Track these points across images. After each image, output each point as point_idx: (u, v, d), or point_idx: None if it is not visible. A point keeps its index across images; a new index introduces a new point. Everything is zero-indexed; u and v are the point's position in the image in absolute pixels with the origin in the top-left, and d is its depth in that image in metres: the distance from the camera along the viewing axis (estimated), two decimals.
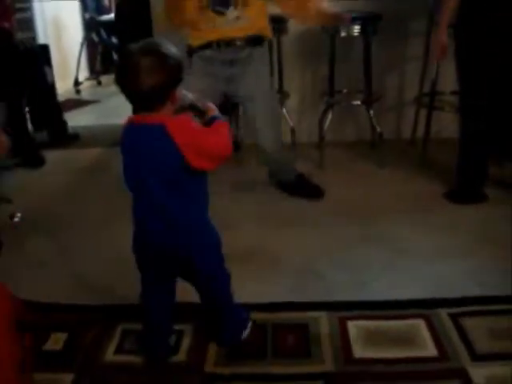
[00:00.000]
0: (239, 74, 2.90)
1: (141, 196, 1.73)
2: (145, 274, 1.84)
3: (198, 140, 1.62)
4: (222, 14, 2.78)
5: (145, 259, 1.81)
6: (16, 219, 2.85)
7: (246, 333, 1.94)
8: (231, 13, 2.77)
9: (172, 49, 1.63)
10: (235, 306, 1.92)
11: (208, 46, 2.84)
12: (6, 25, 3.96)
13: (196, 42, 2.88)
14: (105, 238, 2.75)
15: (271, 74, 3.38)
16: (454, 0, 2.79)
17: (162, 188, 1.65)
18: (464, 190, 3.02)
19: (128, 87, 1.59)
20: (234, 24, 2.80)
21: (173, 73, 1.60)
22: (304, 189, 3.15)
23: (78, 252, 2.63)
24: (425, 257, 2.47)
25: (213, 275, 1.82)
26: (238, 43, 2.84)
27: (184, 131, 1.60)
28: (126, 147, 1.69)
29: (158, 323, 1.91)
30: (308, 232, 2.75)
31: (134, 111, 1.67)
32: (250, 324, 1.96)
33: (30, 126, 4.27)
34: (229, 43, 2.83)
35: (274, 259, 2.47)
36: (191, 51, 2.91)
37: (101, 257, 2.57)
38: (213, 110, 1.76)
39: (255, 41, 2.88)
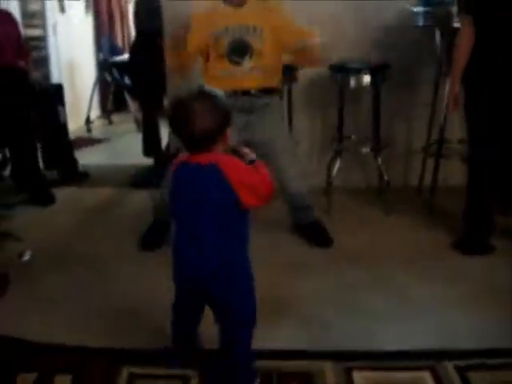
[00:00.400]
0: (255, 122, 2.96)
1: (188, 231, 1.83)
2: (179, 302, 1.97)
3: (248, 178, 1.74)
4: (238, 63, 2.87)
5: (183, 290, 1.93)
6: (25, 258, 2.87)
7: None
8: (247, 62, 2.85)
9: (218, 93, 1.79)
10: (250, 356, 1.95)
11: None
12: (22, 64, 4.05)
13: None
14: (113, 278, 2.77)
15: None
16: (464, 54, 2.84)
17: (213, 226, 1.77)
18: (471, 239, 3.03)
19: (183, 131, 1.75)
20: (249, 74, 2.89)
21: (223, 115, 1.75)
22: (315, 235, 3.16)
23: (86, 291, 2.64)
24: (431, 306, 2.46)
25: (245, 321, 1.89)
26: (253, 92, 2.92)
27: (236, 169, 1.73)
28: (180, 185, 1.82)
29: (185, 337, 2.05)
30: (316, 278, 2.75)
31: (187, 150, 1.79)
32: (258, 381, 1.97)
33: (41, 163, 4.33)
34: (245, 92, 2.90)
35: (282, 305, 2.47)
36: None
37: (109, 297, 2.58)
38: (250, 154, 1.86)
39: (269, 91, 2.97)
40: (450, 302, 2.50)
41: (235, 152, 1.84)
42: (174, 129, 1.79)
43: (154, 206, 3.12)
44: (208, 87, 1.83)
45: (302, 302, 2.52)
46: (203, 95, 1.76)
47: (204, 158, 1.75)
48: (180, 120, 1.74)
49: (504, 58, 2.76)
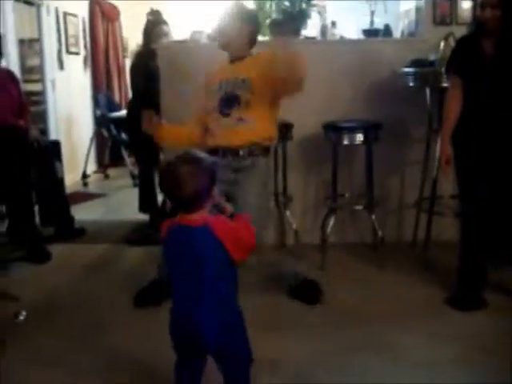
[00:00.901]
0: (242, 181, 2.95)
1: (186, 291, 1.89)
2: (178, 350, 1.98)
3: (237, 235, 1.84)
4: (227, 115, 2.92)
5: (178, 339, 1.95)
6: (21, 317, 2.86)
7: None
8: (234, 113, 2.89)
9: (204, 154, 1.89)
10: None
11: (214, 152, 2.88)
12: (22, 123, 4.13)
13: (204, 145, 2.96)
14: (110, 337, 2.76)
15: (275, 176, 3.57)
16: (453, 115, 2.93)
17: (209, 283, 1.85)
18: (465, 295, 3.04)
19: (172, 195, 1.85)
20: (236, 125, 2.90)
21: (209, 176, 1.84)
22: (302, 295, 3.16)
23: (79, 351, 2.63)
24: (426, 366, 2.45)
25: (244, 363, 1.98)
26: (241, 153, 2.94)
27: (226, 229, 1.83)
28: (173, 249, 1.90)
29: None
30: (306, 337, 2.74)
31: (178, 210, 1.87)
32: None
33: (37, 220, 4.36)
34: (235, 153, 2.94)
35: (271, 365, 2.44)
36: None
37: (106, 357, 2.57)
38: (229, 207, 1.99)
39: (259, 149, 2.96)
40: (443, 361, 2.50)
41: (217, 207, 1.95)
42: (164, 192, 1.90)
43: (158, 265, 3.12)
44: (194, 150, 1.91)
45: (294, 362, 2.51)
46: (189, 159, 1.84)
47: (194, 220, 1.83)
48: (168, 184, 1.83)
49: (491, 120, 2.83)
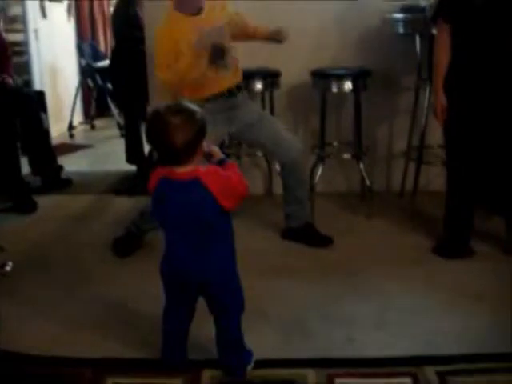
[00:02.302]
0: (238, 113, 3.05)
1: (181, 239, 1.90)
2: (169, 295, 2.02)
3: (228, 185, 1.83)
4: (225, 66, 2.93)
5: (171, 282, 1.99)
6: (7, 268, 2.85)
7: (249, 368, 2.06)
8: (227, 61, 2.93)
9: (194, 106, 1.84)
10: (242, 337, 2.06)
11: (208, 99, 2.93)
12: (7, 78, 4.07)
13: (197, 97, 2.90)
14: (97, 286, 2.77)
15: None
16: (443, 62, 2.88)
17: (204, 233, 1.86)
18: (451, 244, 3.06)
19: (162, 145, 1.79)
20: (229, 73, 2.98)
21: (200, 127, 1.80)
22: (313, 238, 3.21)
23: (70, 301, 2.64)
24: (412, 312, 2.49)
25: (237, 311, 2.01)
26: (234, 91, 3.03)
27: (217, 180, 1.81)
28: (165, 202, 1.87)
29: (176, 337, 2.08)
30: (295, 285, 2.76)
31: (167, 164, 1.83)
32: (253, 359, 2.08)
33: (28, 169, 4.35)
34: (229, 94, 3.00)
35: (261, 312, 2.46)
36: None
37: (93, 306, 2.58)
38: (218, 153, 1.97)
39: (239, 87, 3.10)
40: (430, 307, 2.53)
41: (207, 155, 1.93)
42: (153, 143, 1.83)
43: (141, 213, 3.13)
44: (183, 101, 1.88)
45: (283, 309, 2.53)
46: (180, 109, 1.81)
47: (185, 174, 1.81)
48: (159, 135, 1.79)
49: (482, 67, 2.79)
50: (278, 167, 3.81)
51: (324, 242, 3.19)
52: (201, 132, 1.81)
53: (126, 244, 3.13)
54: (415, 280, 2.79)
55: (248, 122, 3.09)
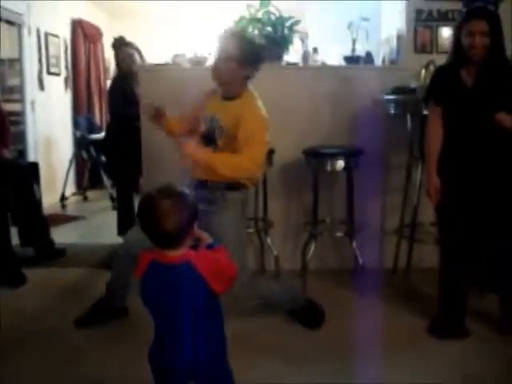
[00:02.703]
0: (213, 213, 2.83)
1: (169, 327, 1.83)
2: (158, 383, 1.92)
3: (218, 268, 1.78)
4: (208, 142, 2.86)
5: (159, 370, 1.89)
6: None
7: None
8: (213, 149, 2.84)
9: (184, 188, 1.82)
10: None
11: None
12: (6, 153, 4.11)
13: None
14: (84, 367, 2.69)
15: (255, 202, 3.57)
16: (436, 146, 2.92)
17: (188, 316, 1.79)
18: (446, 323, 3.02)
19: (153, 230, 1.74)
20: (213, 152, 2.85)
21: (191, 211, 1.77)
22: (303, 320, 3.13)
23: (54, 380, 2.56)
24: None
25: None
26: (210, 185, 2.84)
27: (207, 263, 1.76)
28: (154, 287, 1.80)
29: None
30: (283, 369, 2.68)
31: (157, 247, 1.78)
32: None
33: (18, 241, 4.31)
34: (205, 183, 2.85)
35: None
36: None
37: None
38: (206, 238, 1.91)
39: (229, 186, 2.84)
40: None
41: (195, 240, 1.88)
42: (144, 227, 1.78)
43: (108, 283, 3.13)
44: (173, 183, 1.83)
45: None
46: (171, 193, 1.77)
47: (176, 257, 1.77)
48: (149, 220, 1.75)
49: (472, 150, 2.84)
50: (269, 242, 3.82)
51: (316, 323, 3.12)
52: (192, 214, 1.78)
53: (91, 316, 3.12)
54: (409, 363, 2.73)
55: (214, 230, 2.70)
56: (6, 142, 4.34)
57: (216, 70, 2.80)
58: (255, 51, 2.83)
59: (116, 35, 4.81)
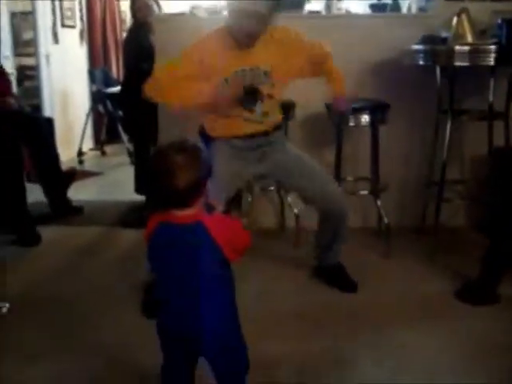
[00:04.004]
0: (271, 151, 2.83)
1: (181, 291, 1.71)
2: (166, 353, 1.83)
3: (234, 234, 1.69)
4: (251, 110, 2.71)
5: (168, 339, 1.80)
6: (3, 310, 2.71)
7: None
8: (259, 108, 2.70)
9: (199, 143, 1.73)
10: None
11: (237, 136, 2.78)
12: (11, 100, 3.98)
13: (220, 133, 2.79)
14: (99, 329, 2.61)
15: None
16: None
17: (207, 284, 1.68)
18: (480, 288, 2.87)
19: (166, 186, 1.61)
20: (262, 119, 2.75)
21: (205, 167, 1.66)
22: (339, 279, 3.05)
23: (69, 344, 2.48)
24: (432, 371, 2.29)
25: (240, 371, 1.82)
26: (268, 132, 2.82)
27: (221, 227, 1.66)
28: (166, 248, 1.68)
29: None
30: (310, 334, 2.58)
31: (169, 206, 1.66)
32: None
33: (36, 197, 4.26)
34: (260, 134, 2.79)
35: (271, 362, 2.30)
36: (211, 138, 2.83)
37: (95, 350, 2.43)
38: (219, 205, 1.84)
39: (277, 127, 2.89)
40: (452, 362, 2.35)
41: (208, 206, 1.75)
42: (156, 183, 1.65)
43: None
44: (187, 138, 1.71)
45: (294, 361, 2.35)
46: (186, 147, 1.65)
47: (188, 217, 1.65)
48: (161, 174, 1.62)
49: None
50: (289, 200, 3.69)
51: (350, 288, 3.02)
52: (206, 172, 1.66)
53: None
54: (436, 330, 2.60)
55: (282, 165, 2.85)
56: (7, 90, 4.21)
57: (248, 30, 2.58)
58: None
59: None
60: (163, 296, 1.77)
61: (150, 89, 2.66)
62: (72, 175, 4.68)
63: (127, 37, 4.67)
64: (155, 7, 4.49)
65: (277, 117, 2.89)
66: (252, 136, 2.77)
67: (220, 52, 2.66)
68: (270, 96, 2.74)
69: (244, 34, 2.60)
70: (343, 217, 2.97)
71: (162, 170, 1.61)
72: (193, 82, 2.61)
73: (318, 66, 2.85)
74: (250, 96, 2.61)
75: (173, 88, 2.60)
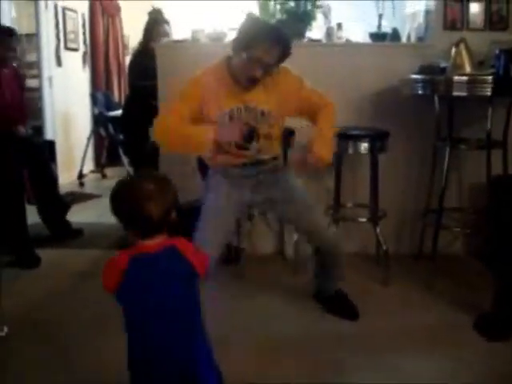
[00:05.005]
0: (267, 179, 2.81)
1: (152, 320, 1.71)
2: None
3: (197, 252, 1.76)
4: (245, 148, 2.68)
5: (144, 374, 1.75)
6: (2, 333, 2.71)
7: None
8: (253, 147, 2.67)
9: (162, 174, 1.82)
10: None
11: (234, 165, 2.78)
12: (20, 128, 4.03)
13: (217, 162, 2.78)
14: (97, 353, 2.61)
15: None
16: None
17: (185, 309, 1.72)
18: (498, 322, 2.83)
19: (139, 213, 1.63)
20: (255, 156, 2.74)
21: (174, 196, 1.72)
22: (341, 307, 3.05)
23: (63, 372, 2.47)
24: None
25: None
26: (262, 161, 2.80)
27: (190, 248, 1.74)
28: (140, 282, 1.68)
29: None
30: (306, 358, 2.59)
31: (141, 236, 1.69)
32: None
33: (35, 219, 4.26)
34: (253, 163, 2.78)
35: None
36: (208, 167, 2.87)
37: (93, 374, 2.43)
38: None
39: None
40: None
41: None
42: (125, 213, 1.67)
43: None
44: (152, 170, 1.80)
45: None
46: (156, 177, 1.75)
47: (159, 244, 1.70)
48: (135, 202, 1.64)
49: None
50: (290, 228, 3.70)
51: (350, 315, 3.01)
52: (175, 198, 1.72)
53: None
54: (437, 358, 2.60)
55: (275, 196, 2.82)
56: (24, 119, 4.25)
57: (254, 75, 2.57)
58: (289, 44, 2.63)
59: (153, 8, 4.71)
60: (136, 335, 1.75)
61: (159, 134, 2.61)
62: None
63: (132, 60, 4.72)
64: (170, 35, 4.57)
65: (273, 151, 2.86)
66: (250, 164, 2.76)
67: (217, 88, 2.64)
68: (268, 136, 2.72)
69: (246, 78, 2.60)
70: (334, 253, 2.97)
71: (134, 197, 1.65)
72: (198, 123, 2.60)
73: (314, 114, 2.81)
74: (246, 135, 2.56)
75: (178, 138, 2.57)
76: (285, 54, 2.58)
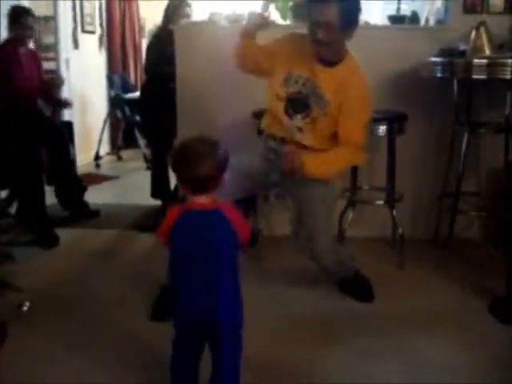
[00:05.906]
0: (303, 184, 2.76)
1: (196, 277, 1.84)
2: (178, 342, 1.94)
3: (243, 223, 1.88)
4: (289, 116, 2.73)
5: (184, 332, 1.91)
6: (24, 308, 2.75)
7: None
8: (296, 121, 2.70)
9: (217, 139, 1.90)
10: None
11: (273, 137, 2.83)
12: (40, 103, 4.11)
13: (265, 126, 2.90)
14: (116, 328, 2.66)
15: None
16: None
17: (224, 269, 1.86)
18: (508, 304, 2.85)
19: (188, 173, 1.81)
20: (295, 134, 2.74)
21: (224, 159, 1.85)
22: (356, 289, 3.06)
23: (85, 347, 2.51)
24: (446, 380, 2.31)
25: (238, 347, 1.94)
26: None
27: (236, 215, 1.86)
28: (186, 232, 1.84)
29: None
30: (326, 342, 2.60)
31: (190, 192, 1.84)
32: None
33: (52, 200, 4.33)
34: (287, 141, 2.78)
35: (285, 372, 2.33)
36: (260, 131, 2.98)
37: (112, 349, 2.48)
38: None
39: None
40: (466, 370, 2.37)
41: None
42: (179, 171, 1.83)
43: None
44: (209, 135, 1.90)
45: (309, 369, 2.37)
46: (206, 140, 1.86)
47: (206, 204, 1.83)
48: (184, 161, 1.82)
49: None
50: None
51: (366, 297, 3.03)
52: (224, 163, 1.85)
53: (162, 306, 2.73)
54: (452, 339, 2.61)
55: (300, 192, 2.83)
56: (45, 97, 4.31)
57: (320, 34, 2.56)
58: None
59: None
60: (179, 283, 1.88)
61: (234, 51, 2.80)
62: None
63: (151, 42, 4.72)
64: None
65: (315, 143, 2.75)
66: (283, 141, 2.78)
67: (300, 50, 2.71)
68: (314, 120, 2.69)
69: (312, 41, 2.61)
70: (316, 261, 2.95)
71: (184, 157, 1.82)
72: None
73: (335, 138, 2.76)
74: (296, 104, 2.66)
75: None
76: (345, 11, 2.53)
